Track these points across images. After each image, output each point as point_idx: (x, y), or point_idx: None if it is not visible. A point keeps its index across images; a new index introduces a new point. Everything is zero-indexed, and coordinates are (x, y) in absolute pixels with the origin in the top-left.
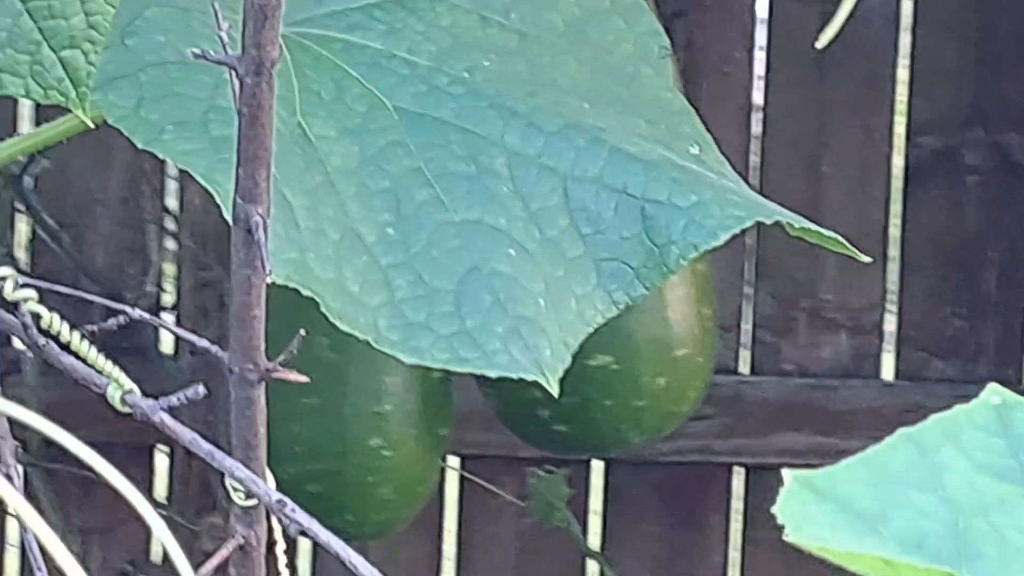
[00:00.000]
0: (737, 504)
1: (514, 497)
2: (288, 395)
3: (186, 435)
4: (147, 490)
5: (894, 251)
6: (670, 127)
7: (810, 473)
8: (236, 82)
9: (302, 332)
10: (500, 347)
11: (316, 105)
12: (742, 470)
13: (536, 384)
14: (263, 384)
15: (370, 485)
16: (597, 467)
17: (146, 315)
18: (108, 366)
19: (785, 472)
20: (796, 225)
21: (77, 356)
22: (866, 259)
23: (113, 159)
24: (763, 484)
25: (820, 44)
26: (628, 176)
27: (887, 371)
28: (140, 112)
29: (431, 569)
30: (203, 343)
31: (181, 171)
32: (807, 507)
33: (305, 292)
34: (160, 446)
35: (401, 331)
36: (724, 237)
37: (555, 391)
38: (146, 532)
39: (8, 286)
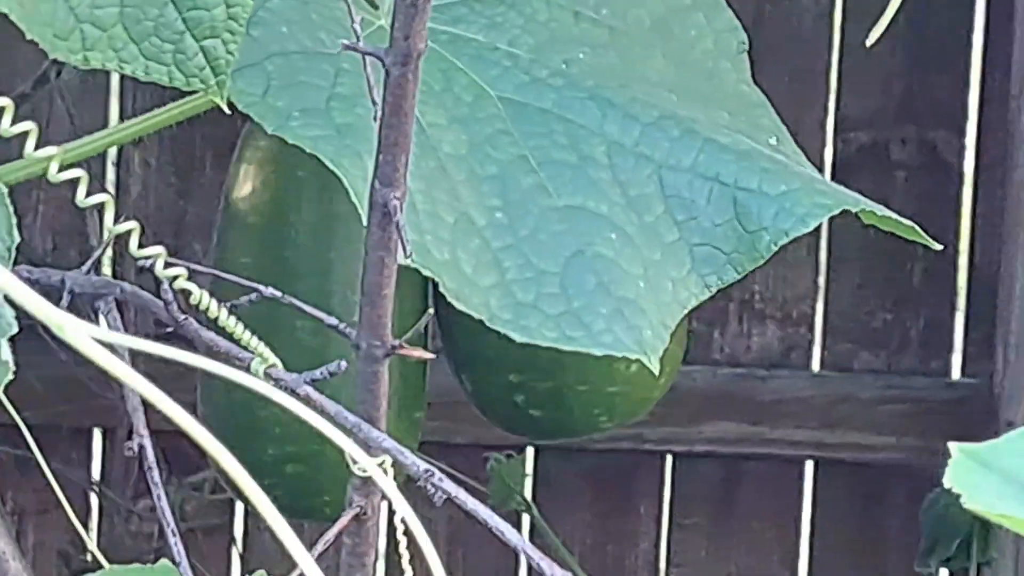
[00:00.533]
0: (667, 492)
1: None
2: None
3: (331, 407)
4: (86, 471)
5: (823, 244)
6: (750, 119)
7: (974, 446)
8: (382, 72)
9: (431, 311)
10: (604, 327)
11: (427, 94)
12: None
13: (513, 369)
14: (387, 360)
15: (347, 467)
16: (527, 454)
17: (277, 293)
18: (253, 341)
19: (951, 445)
20: (878, 213)
21: (222, 332)
22: (937, 246)
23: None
24: (692, 472)
25: (869, 42)
26: (720, 165)
27: (816, 362)
28: (267, 99)
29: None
30: (331, 321)
31: (120, 156)
32: (975, 477)
33: (425, 272)
34: (96, 429)
35: (512, 310)
36: (813, 224)
37: (655, 369)
38: (84, 513)
39: (160, 264)
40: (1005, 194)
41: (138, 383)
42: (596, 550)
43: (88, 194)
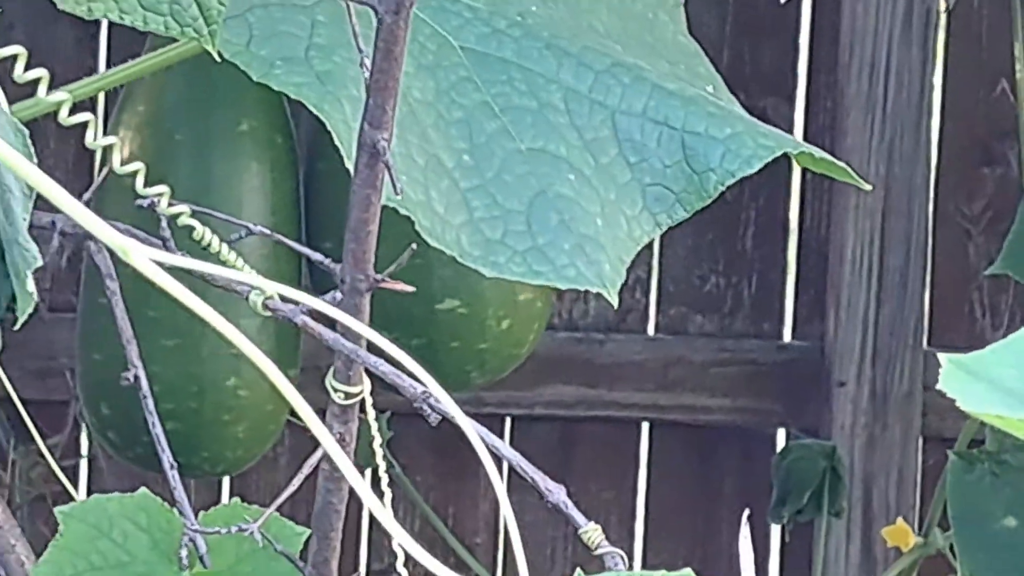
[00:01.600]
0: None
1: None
2: (149, 337)
3: (328, 335)
4: None
5: None
6: (689, 68)
7: (961, 356)
8: (373, 19)
9: (413, 246)
10: (568, 262)
11: None
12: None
13: (385, 326)
14: (369, 293)
15: (226, 424)
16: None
17: (266, 231)
18: (252, 274)
19: (941, 356)
20: (815, 156)
21: (223, 264)
22: (867, 187)
23: None
24: (530, 434)
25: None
26: (669, 110)
27: (651, 326)
28: (251, 48)
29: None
30: (317, 256)
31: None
32: (965, 385)
33: (402, 211)
34: None
35: (481, 247)
36: (758, 165)
37: (614, 301)
38: None
39: (164, 202)
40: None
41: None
42: (438, 512)
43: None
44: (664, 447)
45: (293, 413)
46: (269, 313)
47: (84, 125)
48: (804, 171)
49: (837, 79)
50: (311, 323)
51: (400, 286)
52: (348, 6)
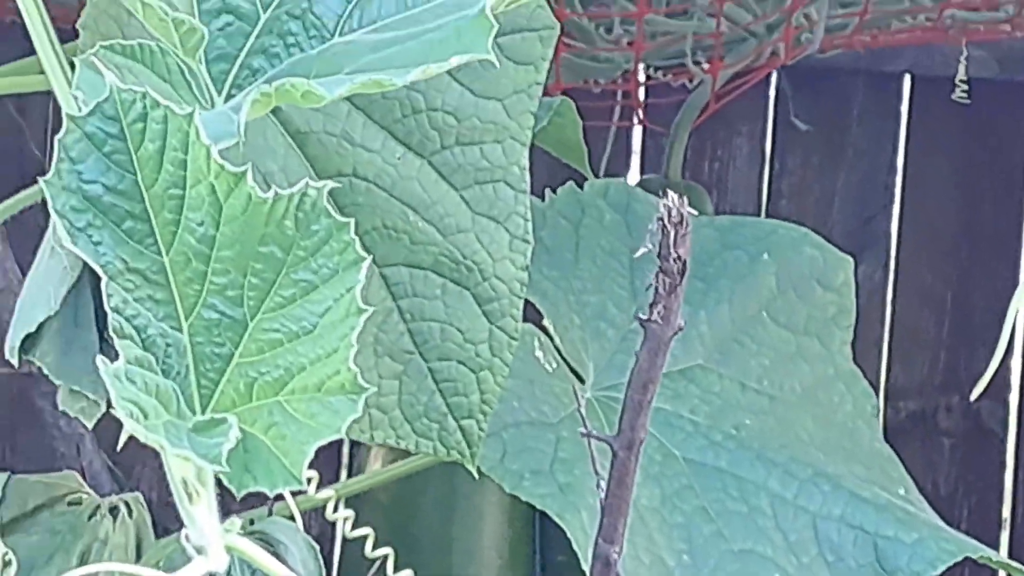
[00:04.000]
0: None
1: None
2: None
3: None
4: None
5: None
6: (883, 472)
7: None
8: (608, 451)
9: None
10: None
11: None
12: None
13: None
14: None
15: None
16: None
17: None
18: None
19: None
20: (993, 559)
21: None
22: None
23: None
24: None
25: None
26: (864, 516)
27: None
28: (505, 463)
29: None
30: None
31: None
32: None
33: None
34: None
35: None
36: (941, 568)
37: None
38: None
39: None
40: None
41: None
42: None
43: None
44: None
45: None
46: None
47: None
48: (1016, 470)
49: None
50: None
51: None
52: (588, 443)
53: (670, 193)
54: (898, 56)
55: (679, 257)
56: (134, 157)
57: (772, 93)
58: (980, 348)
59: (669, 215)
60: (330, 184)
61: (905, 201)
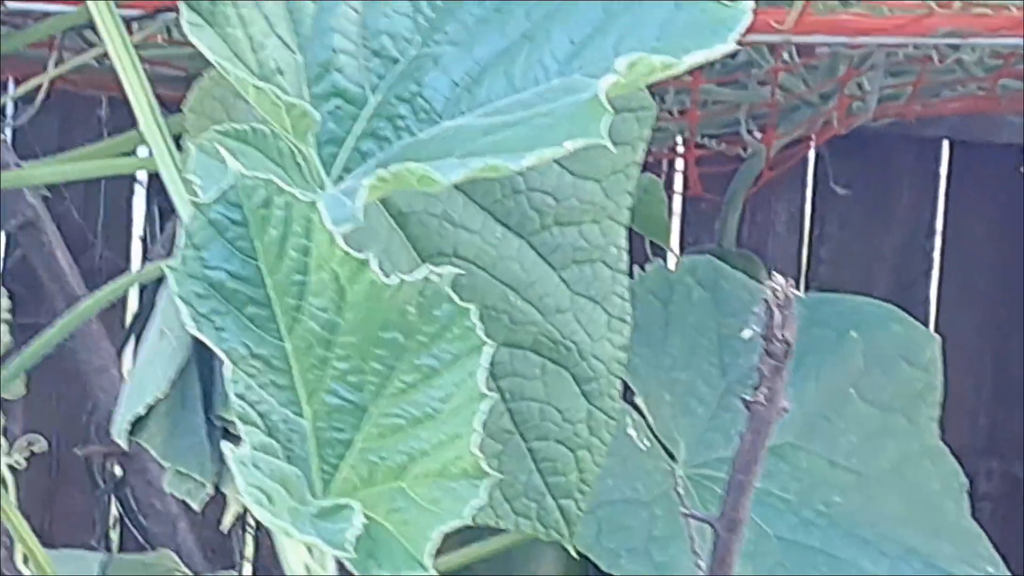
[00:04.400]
0: None
1: None
2: None
3: None
4: None
5: None
6: (971, 550)
7: None
8: (708, 530)
9: None
10: None
11: None
12: None
13: None
14: None
15: None
16: None
17: None
18: None
19: None
20: None
21: None
22: None
23: None
24: None
25: None
26: None
27: None
28: (601, 541)
29: None
30: None
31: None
32: None
33: None
34: None
35: None
36: None
37: None
38: None
39: None
40: None
41: None
42: None
43: None
44: None
45: None
46: None
47: None
48: None
49: None
50: None
51: None
52: (687, 522)
53: (775, 275)
54: (937, 122)
55: (784, 339)
56: (257, 243)
57: (811, 157)
58: (1018, 412)
59: (775, 296)
60: (453, 271)
61: (944, 266)
